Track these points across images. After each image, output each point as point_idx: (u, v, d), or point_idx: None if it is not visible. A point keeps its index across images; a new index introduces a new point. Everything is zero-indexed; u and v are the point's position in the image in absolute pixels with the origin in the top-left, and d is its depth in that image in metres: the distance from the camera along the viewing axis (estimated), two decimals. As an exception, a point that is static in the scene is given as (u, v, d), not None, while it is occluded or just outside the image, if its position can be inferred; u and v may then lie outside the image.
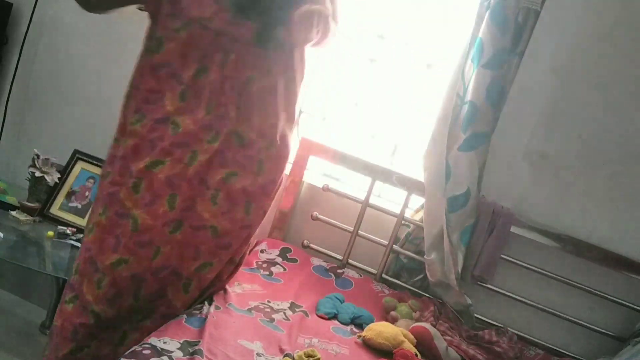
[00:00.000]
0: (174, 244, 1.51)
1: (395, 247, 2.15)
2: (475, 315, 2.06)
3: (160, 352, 1.21)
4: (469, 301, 2.01)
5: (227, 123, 1.51)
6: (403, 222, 2.16)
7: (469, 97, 1.99)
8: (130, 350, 1.20)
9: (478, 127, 1.99)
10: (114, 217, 1.49)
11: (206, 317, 1.46)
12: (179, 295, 1.55)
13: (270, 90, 1.55)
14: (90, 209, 1.65)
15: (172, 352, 1.23)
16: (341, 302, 1.92)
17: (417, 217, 2.16)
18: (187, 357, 1.24)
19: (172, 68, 1.49)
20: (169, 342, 1.28)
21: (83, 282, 1.51)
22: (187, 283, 1.55)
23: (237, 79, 1.51)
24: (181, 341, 1.30)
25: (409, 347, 1.65)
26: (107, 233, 1.49)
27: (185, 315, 1.46)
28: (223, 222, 1.54)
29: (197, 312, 1.49)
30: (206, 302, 1.56)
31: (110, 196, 1.51)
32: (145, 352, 1.20)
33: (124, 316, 1.52)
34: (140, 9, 1.57)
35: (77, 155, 2.39)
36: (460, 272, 2.00)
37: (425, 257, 2.06)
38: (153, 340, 1.26)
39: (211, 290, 1.63)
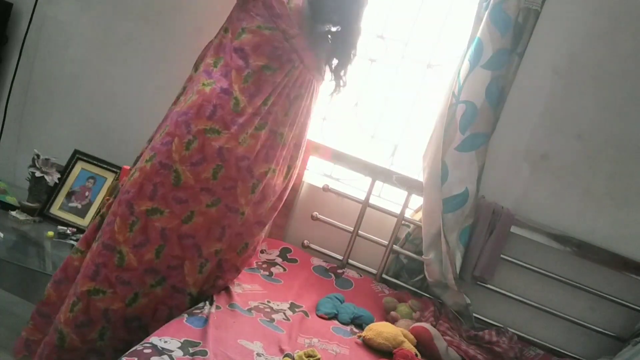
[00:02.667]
0: (206, 217, 1.60)
1: (395, 247, 2.15)
2: (475, 315, 2.06)
3: (161, 351, 1.21)
4: (468, 301, 2.01)
5: (275, 121, 1.70)
6: (403, 222, 2.16)
7: (464, 96, 1.99)
8: (131, 350, 1.20)
9: (478, 127, 2.00)
10: (157, 166, 1.56)
11: (207, 317, 1.47)
12: (193, 272, 1.62)
13: (308, 111, 1.82)
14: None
15: (172, 351, 1.23)
16: (341, 302, 1.92)
17: (417, 217, 2.16)
18: (188, 356, 1.24)
19: (244, 52, 1.67)
20: (169, 341, 1.28)
21: (114, 222, 1.55)
22: (204, 263, 1.63)
23: (292, 91, 1.72)
24: (182, 340, 1.30)
25: (409, 347, 1.65)
26: (148, 180, 1.56)
27: (186, 315, 1.46)
28: (250, 211, 1.69)
29: (198, 311, 1.49)
30: (207, 302, 1.56)
31: (162, 145, 1.58)
32: (146, 351, 1.20)
33: (140, 273, 1.55)
34: None
35: (77, 155, 2.40)
36: (458, 272, 2.00)
37: (423, 257, 2.06)
38: (154, 339, 1.26)
39: (218, 281, 1.71)
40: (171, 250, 1.57)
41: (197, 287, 1.63)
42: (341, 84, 1.90)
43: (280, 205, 1.85)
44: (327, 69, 1.88)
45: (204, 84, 1.63)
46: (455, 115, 2.01)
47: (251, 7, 1.68)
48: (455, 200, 2.00)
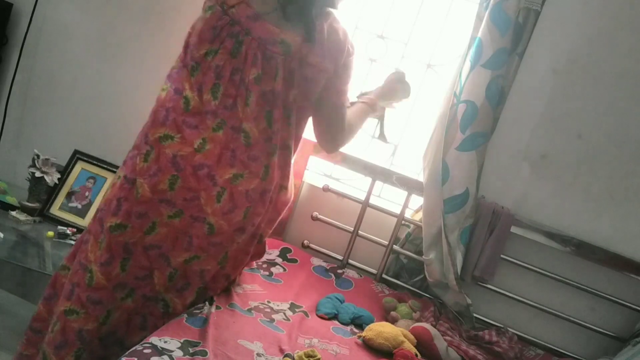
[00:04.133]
0: (171, 228, 1.51)
1: (395, 247, 2.15)
2: (475, 315, 2.06)
3: (160, 352, 1.21)
4: (469, 301, 2.01)
5: (234, 116, 1.52)
6: (403, 222, 2.16)
7: (464, 96, 1.99)
8: (131, 350, 1.20)
9: (478, 126, 1.99)
10: (122, 180, 1.52)
11: (207, 317, 1.46)
12: (163, 281, 1.55)
13: (276, 95, 1.54)
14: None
15: (172, 351, 1.23)
16: (341, 303, 1.92)
17: (417, 217, 2.16)
18: (188, 356, 1.24)
19: (192, 45, 1.55)
20: (169, 341, 1.28)
21: (89, 240, 1.53)
22: (174, 273, 1.55)
23: (245, 73, 1.51)
24: (182, 340, 1.30)
25: (409, 347, 1.65)
26: (114, 195, 1.52)
27: (186, 315, 1.46)
28: (221, 221, 1.54)
29: (198, 311, 1.49)
30: (207, 302, 1.56)
31: (129, 159, 1.54)
32: (145, 351, 1.20)
33: (110, 291, 1.51)
34: None
35: (77, 155, 2.40)
36: (459, 272, 2.00)
37: (423, 257, 2.06)
38: (154, 339, 1.26)
39: (207, 292, 1.62)
40: (137, 262, 1.51)
41: (170, 292, 1.56)
42: (311, 28, 1.52)
43: (265, 211, 1.63)
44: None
45: (162, 89, 1.56)
46: (456, 114, 2.01)
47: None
48: (456, 201, 2.00)
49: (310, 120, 1.72)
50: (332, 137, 1.74)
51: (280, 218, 1.72)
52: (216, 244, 1.56)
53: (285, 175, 1.64)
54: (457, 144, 2.00)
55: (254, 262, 1.99)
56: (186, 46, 1.57)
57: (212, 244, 1.56)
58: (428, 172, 2.05)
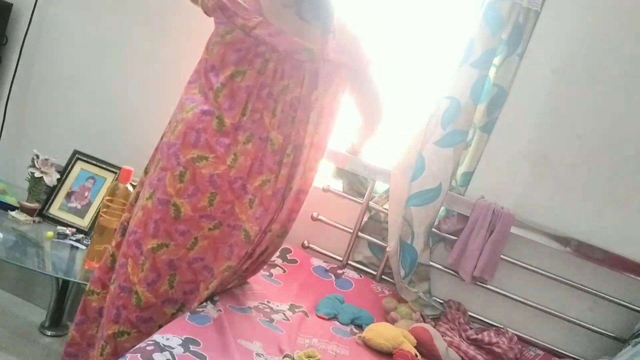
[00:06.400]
0: (211, 240, 1.59)
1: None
2: (475, 315, 2.07)
3: (162, 348, 1.23)
4: (419, 293, 2.01)
5: (261, 128, 1.60)
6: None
7: (449, 92, 2.00)
8: (135, 347, 1.23)
9: (459, 124, 2.00)
10: (156, 203, 1.56)
11: (208, 316, 1.47)
12: (205, 291, 1.60)
13: (303, 102, 1.62)
14: (132, 195, 1.73)
15: (173, 348, 1.25)
16: (341, 303, 1.92)
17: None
18: (188, 353, 1.25)
19: (216, 68, 1.60)
20: (171, 338, 1.29)
21: (127, 264, 1.56)
22: (212, 281, 1.61)
23: (274, 87, 1.60)
24: (183, 338, 1.31)
25: (409, 347, 1.66)
26: (150, 217, 1.56)
27: (188, 313, 1.47)
28: (254, 226, 1.61)
29: (200, 310, 1.50)
30: (208, 302, 1.57)
31: (159, 181, 1.57)
32: (148, 348, 1.22)
33: (159, 306, 1.57)
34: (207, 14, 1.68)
35: (77, 156, 2.39)
36: (416, 265, 2.03)
37: (387, 248, 2.05)
38: (157, 337, 1.29)
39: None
40: (183, 277, 1.58)
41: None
42: (328, 18, 1.59)
43: (276, 210, 1.65)
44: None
45: (186, 111, 1.59)
46: (438, 109, 2.02)
47: (215, 18, 1.61)
48: (427, 195, 2.01)
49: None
50: (379, 106, 1.95)
51: (290, 222, 1.71)
52: (248, 249, 1.62)
53: (291, 175, 1.65)
54: (436, 139, 2.01)
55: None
56: (206, 70, 1.60)
57: (246, 250, 1.62)
58: (399, 160, 2.06)
